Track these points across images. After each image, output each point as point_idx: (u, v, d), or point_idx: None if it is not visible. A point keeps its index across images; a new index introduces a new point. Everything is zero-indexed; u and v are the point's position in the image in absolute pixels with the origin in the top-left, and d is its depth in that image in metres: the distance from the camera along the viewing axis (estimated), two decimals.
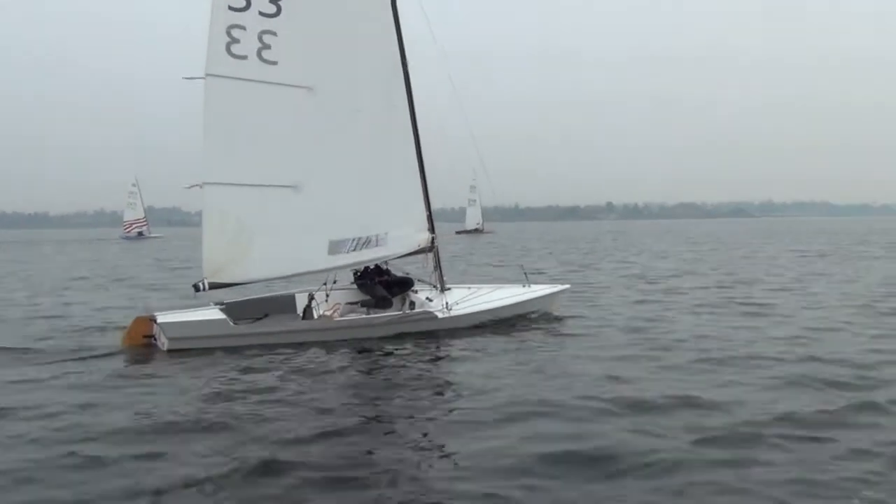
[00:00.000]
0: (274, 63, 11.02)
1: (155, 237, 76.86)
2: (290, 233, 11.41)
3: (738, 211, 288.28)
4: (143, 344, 10.80)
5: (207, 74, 10.62)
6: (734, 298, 16.38)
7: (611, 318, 13.48)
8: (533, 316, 13.10)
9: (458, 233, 73.85)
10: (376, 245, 12.21)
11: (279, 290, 12.81)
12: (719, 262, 29.93)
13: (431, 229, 12.83)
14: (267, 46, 10.92)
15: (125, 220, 79.24)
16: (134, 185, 76.91)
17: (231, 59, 10.72)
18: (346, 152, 11.78)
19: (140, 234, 76.35)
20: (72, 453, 6.17)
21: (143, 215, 77.99)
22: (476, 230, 77.20)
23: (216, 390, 8.57)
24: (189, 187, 10.76)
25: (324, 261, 11.80)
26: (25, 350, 10.69)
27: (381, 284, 12.58)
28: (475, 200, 77.71)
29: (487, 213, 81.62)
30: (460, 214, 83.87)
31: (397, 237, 12.40)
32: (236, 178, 11.00)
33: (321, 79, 11.49)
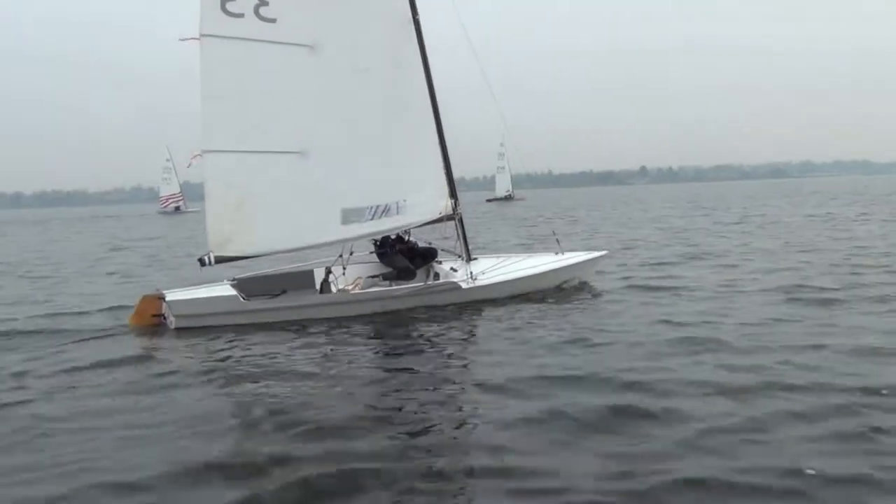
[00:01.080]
0: (272, 21, 10.17)
1: (192, 211, 77.24)
2: (298, 202, 10.65)
3: (776, 172, 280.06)
4: (152, 323, 10.26)
5: (202, 35, 9.80)
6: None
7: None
8: (568, 286, 12.18)
9: (488, 200, 73.36)
10: (395, 213, 11.41)
11: (297, 265, 12.11)
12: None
13: (453, 195, 11.97)
14: (265, 3, 10.06)
15: (161, 195, 79.82)
16: (168, 159, 76.92)
17: (226, 18, 9.87)
18: (356, 115, 10.93)
19: (177, 208, 76.67)
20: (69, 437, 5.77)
21: (178, 190, 78.19)
22: (507, 197, 76.15)
23: (226, 372, 7.98)
24: (191, 159, 10.04)
25: (337, 231, 11.03)
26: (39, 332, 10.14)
27: (402, 254, 11.80)
28: (504, 167, 76.55)
29: (519, 181, 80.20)
30: (491, 182, 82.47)
31: (416, 204, 11.57)
32: (238, 144, 10.23)
33: (324, 36, 10.60)
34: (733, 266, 14.80)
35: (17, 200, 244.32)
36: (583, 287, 12.25)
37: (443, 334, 9.50)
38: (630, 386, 6.62)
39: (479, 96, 13.20)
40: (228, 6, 9.83)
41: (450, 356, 8.56)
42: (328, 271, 11.18)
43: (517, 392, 6.63)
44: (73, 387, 7.33)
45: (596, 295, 11.79)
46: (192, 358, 8.68)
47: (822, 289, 11.33)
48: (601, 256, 13.13)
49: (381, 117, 11.20)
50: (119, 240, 34.84)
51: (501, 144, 70.97)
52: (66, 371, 7.96)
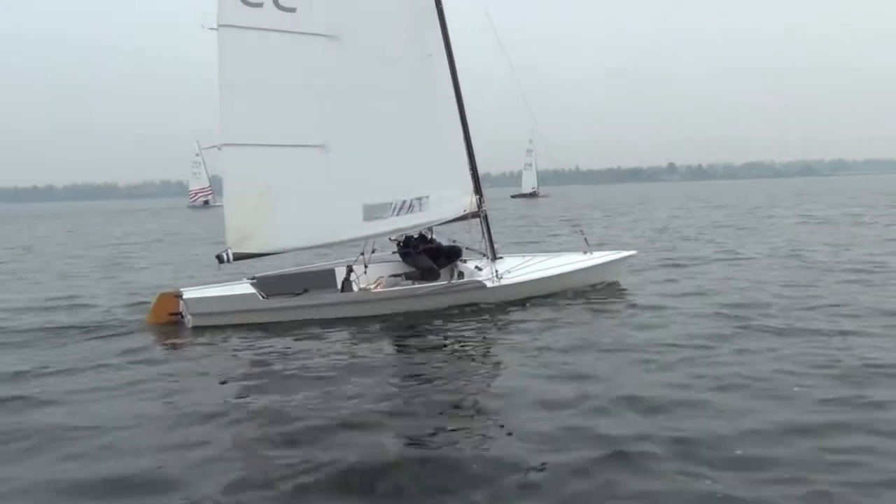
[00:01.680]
0: (292, 10, 9.87)
1: (220, 206, 77.29)
2: (319, 197, 10.32)
3: (806, 170, 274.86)
4: (169, 322, 9.98)
5: (220, 25, 9.54)
6: None
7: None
8: (597, 287, 11.74)
9: (513, 196, 73.87)
10: (418, 210, 11.04)
11: (318, 265, 11.80)
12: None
13: (478, 191, 11.56)
14: None
15: (191, 189, 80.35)
16: (197, 154, 77.30)
17: (245, 7, 9.62)
18: (379, 107, 10.58)
19: (206, 202, 76.96)
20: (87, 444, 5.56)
21: (208, 184, 78.52)
22: (532, 194, 76.15)
23: (243, 371, 7.84)
24: (206, 148, 9.76)
25: (359, 228, 10.69)
26: (50, 330, 9.89)
27: (425, 253, 11.44)
28: (531, 164, 76.81)
29: (546, 177, 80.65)
30: (518, 179, 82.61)
31: (440, 201, 11.19)
32: (257, 138, 9.94)
33: (346, 26, 10.27)
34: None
35: (49, 194, 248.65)
36: (612, 288, 11.83)
37: (465, 336, 9.18)
38: (652, 408, 6.07)
39: (509, 91, 12.80)
40: None
41: (472, 359, 8.29)
42: (350, 270, 10.84)
43: (541, 403, 6.25)
44: (80, 390, 7.12)
45: (623, 297, 11.36)
46: (209, 357, 8.46)
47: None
48: (630, 256, 12.69)
49: (405, 110, 10.84)
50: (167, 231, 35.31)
51: (530, 141, 71.51)
52: (78, 371, 7.76)
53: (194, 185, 79.42)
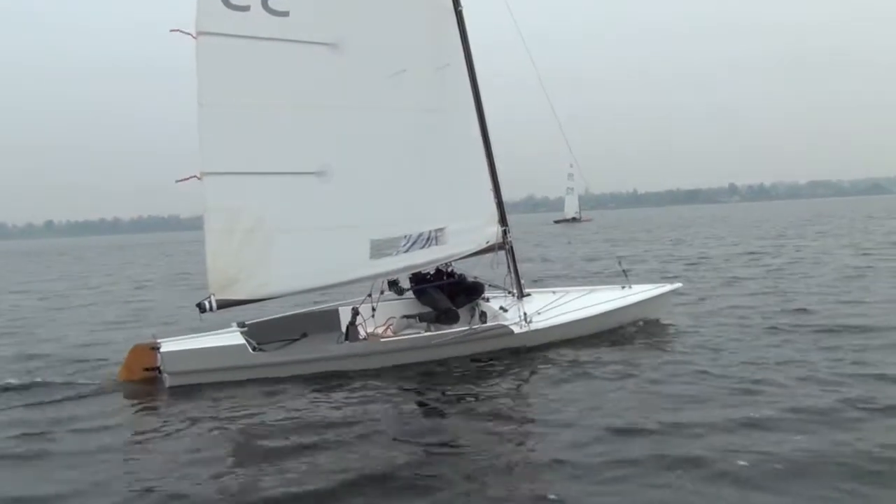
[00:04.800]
0: (284, 14, 8.52)
1: None
2: (318, 233, 8.93)
3: (875, 187, 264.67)
4: (144, 378, 8.51)
5: (199, 32, 8.19)
6: None
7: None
8: (638, 324, 10.29)
9: (556, 222, 74.01)
10: (433, 244, 9.55)
11: (319, 306, 10.37)
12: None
13: (503, 221, 10.02)
14: None
15: None
16: None
17: (229, 11, 8.26)
18: (386, 126, 9.16)
19: None
20: None
21: None
22: (574, 219, 75.15)
23: (231, 435, 6.61)
24: (181, 181, 8.38)
25: (365, 267, 9.23)
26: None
27: (442, 291, 9.93)
28: (573, 189, 76.79)
29: (604, 200, 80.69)
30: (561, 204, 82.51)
31: (459, 232, 9.69)
32: (244, 165, 8.56)
33: (348, 32, 8.89)
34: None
35: (115, 226, 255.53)
36: (654, 327, 10.40)
37: (489, 385, 7.90)
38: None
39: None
40: None
41: (496, 416, 6.91)
42: (355, 312, 9.34)
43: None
44: (25, 463, 5.99)
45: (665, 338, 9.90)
46: (187, 421, 7.06)
47: None
48: (674, 290, 11.03)
49: (418, 129, 9.40)
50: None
51: (571, 165, 70.64)
52: (29, 438, 6.58)
53: None
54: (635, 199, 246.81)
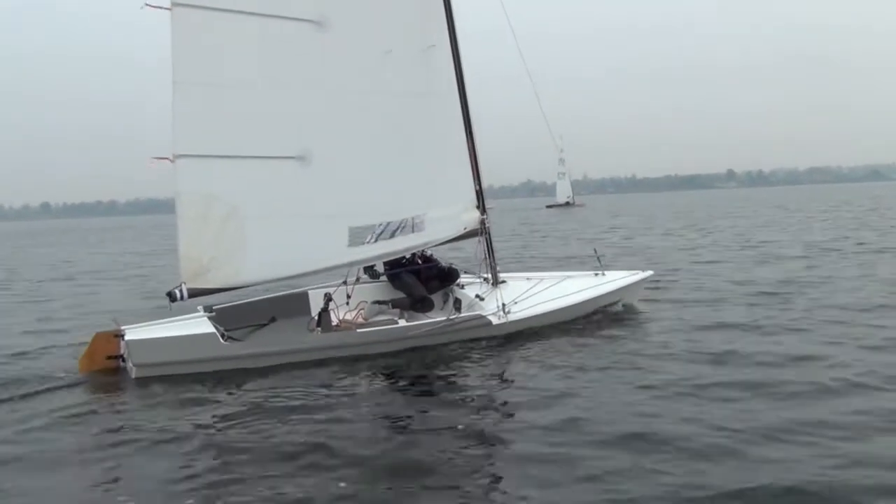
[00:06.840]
0: None
1: None
2: (296, 219, 8.70)
3: (874, 174, 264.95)
4: (106, 367, 8.09)
5: (174, 4, 7.86)
6: None
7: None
8: (612, 310, 10.38)
9: (548, 206, 73.89)
10: (411, 230, 9.37)
11: (289, 291, 10.07)
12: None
13: (481, 208, 9.87)
14: None
15: None
16: None
17: None
18: (370, 110, 8.94)
19: None
20: None
21: None
22: (566, 204, 74.67)
23: (203, 425, 6.32)
24: (154, 160, 8.10)
25: (343, 254, 9.02)
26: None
27: (416, 276, 9.80)
28: (564, 173, 76.56)
29: (603, 185, 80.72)
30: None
31: (439, 219, 9.51)
32: (220, 147, 8.27)
33: (333, 8, 8.64)
34: None
35: (111, 208, 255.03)
36: (626, 313, 10.53)
37: (464, 375, 7.92)
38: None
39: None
40: None
41: (472, 400, 6.95)
42: (328, 298, 9.10)
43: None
44: None
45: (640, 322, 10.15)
46: (155, 413, 6.72)
47: None
48: (646, 277, 11.17)
49: (401, 113, 9.20)
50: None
51: (561, 150, 70.93)
52: None
53: None
54: (633, 184, 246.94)
